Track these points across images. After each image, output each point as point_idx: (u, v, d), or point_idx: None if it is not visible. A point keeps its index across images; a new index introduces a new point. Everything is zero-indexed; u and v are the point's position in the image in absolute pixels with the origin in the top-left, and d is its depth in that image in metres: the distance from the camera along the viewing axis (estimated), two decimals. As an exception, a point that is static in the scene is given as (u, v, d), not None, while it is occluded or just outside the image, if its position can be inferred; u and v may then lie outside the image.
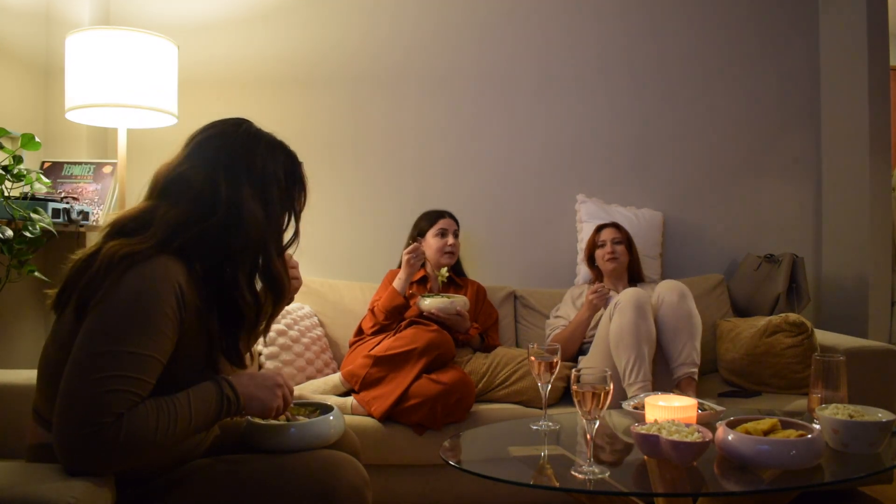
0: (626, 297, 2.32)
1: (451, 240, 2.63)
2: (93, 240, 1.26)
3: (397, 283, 2.50)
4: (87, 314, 1.08)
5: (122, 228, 1.18)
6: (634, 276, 2.76)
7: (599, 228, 2.78)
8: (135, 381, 1.06)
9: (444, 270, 2.58)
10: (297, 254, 1.38)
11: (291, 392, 1.31)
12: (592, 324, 2.57)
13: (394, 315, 2.48)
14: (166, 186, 1.22)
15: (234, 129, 1.29)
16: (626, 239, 2.73)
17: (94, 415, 1.02)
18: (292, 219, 1.33)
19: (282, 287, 1.27)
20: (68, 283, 1.15)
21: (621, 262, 2.69)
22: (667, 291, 2.36)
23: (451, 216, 2.71)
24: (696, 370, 2.26)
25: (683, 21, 3.18)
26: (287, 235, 1.34)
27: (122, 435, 1.03)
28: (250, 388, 1.23)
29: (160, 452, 1.10)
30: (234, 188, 1.21)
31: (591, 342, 2.52)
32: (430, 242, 2.65)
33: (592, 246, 2.78)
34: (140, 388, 1.06)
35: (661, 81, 3.17)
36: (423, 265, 2.68)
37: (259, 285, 1.27)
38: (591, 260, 2.79)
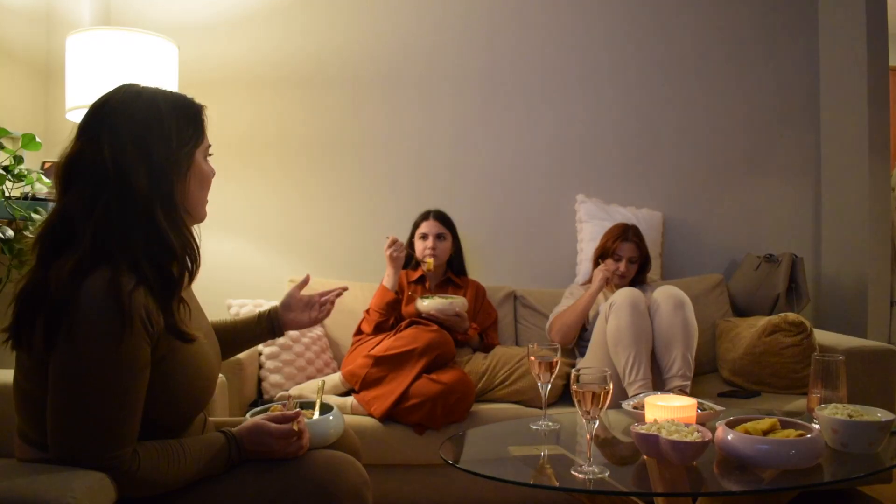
0: (621, 298, 2.32)
1: (430, 243, 2.65)
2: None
3: (386, 281, 2.54)
4: (57, 350, 1.04)
5: (52, 244, 1.11)
6: (636, 279, 2.74)
7: (622, 237, 2.64)
8: (133, 407, 1.08)
9: (430, 260, 2.62)
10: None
11: (301, 435, 1.25)
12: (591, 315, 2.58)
13: (388, 310, 2.50)
14: (65, 177, 1.14)
15: (115, 94, 1.19)
16: (643, 256, 2.67)
17: (106, 451, 1.05)
18: (185, 163, 1.19)
19: (172, 250, 1.15)
20: (22, 316, 1.09)
21: (627, 280, 2.66)
22: (663, 299, 2.33)
23: (437, 216, 2.71)
24: (687, 383, 2.23)
25: (683, 22, 3.18)
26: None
27: (139, 473, 1.08)
28: (257, 445, 1.23)
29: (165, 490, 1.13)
30: (118, 154, 1.12)
31: (587, 342, 2.52)
32: (417, 244, 2.70)
33: (607, 252, 2.67)
34: (133, 418, 1.09)
35: (661, 82, 3.17)
36: (419, 265, 2.70)
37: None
38: (598, 259, 2.72)
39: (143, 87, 1.22)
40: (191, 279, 1.20)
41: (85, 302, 1.04)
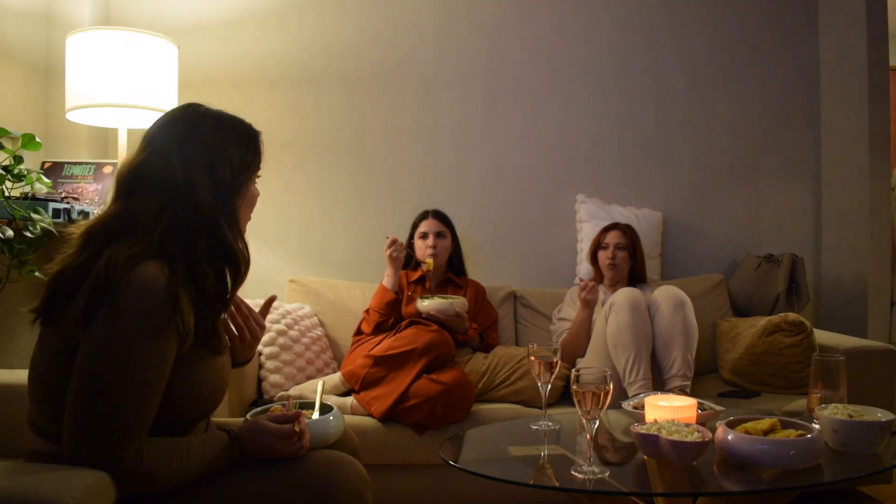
0: (621, 297, 2.32)
1: (431, 241, 2.66)
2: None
3: (386, 282, 2.54)
4: (93, 329, 1.06)
5: (107, 234, 1.16)
6: (636, 277, 2.75)
7: (608, 228, 2.75)
8: (148, 407, 1.09)
9: (430, 261, 2.63)
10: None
11: (302, 436, 1.26)
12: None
13: (388, 311, 2.50)
14: (131, 183, 1.21)
15: (182, 113, 1.28)
16: (630, 244, 2.70)
17: (116, 442, 1.06)
18: (246, 186, 1.29)
19: (236, 260, 1.24)
20: (57, 295, 1.12)
21: (620, 270, 2.68)
22: (663, 299, 2.34)
23: (436, 215, 2.73)
24: (687, 383, 2.24)
25: (683, 22, 3.18)
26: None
27: (143, 467, 1.08)
28: (258, 444, 1.23)
29: (169, 486, 1.14)
30: (186, 168, 1.20)
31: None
32: (417, 244, 2.70)
33: (597, 245, 2.76)
34: (150, 413, 1.10)
35: (661, 82, 3.17)
36: (418, 265, 2.70)
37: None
38: (594, 258, 2.78)
39: (207, 109, 1.30)
40: (241, 283, 1.27)
41: (136, 285, 1.07)
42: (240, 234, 1.26)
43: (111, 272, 1.07)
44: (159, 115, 2.44)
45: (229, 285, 1.24)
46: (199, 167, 1.20)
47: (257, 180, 1.34)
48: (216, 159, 1.23)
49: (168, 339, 1.09)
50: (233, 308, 1.41)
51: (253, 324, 1.44)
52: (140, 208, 1.17)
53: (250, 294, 2.69)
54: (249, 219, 1.34)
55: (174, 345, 1.11)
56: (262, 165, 1.33)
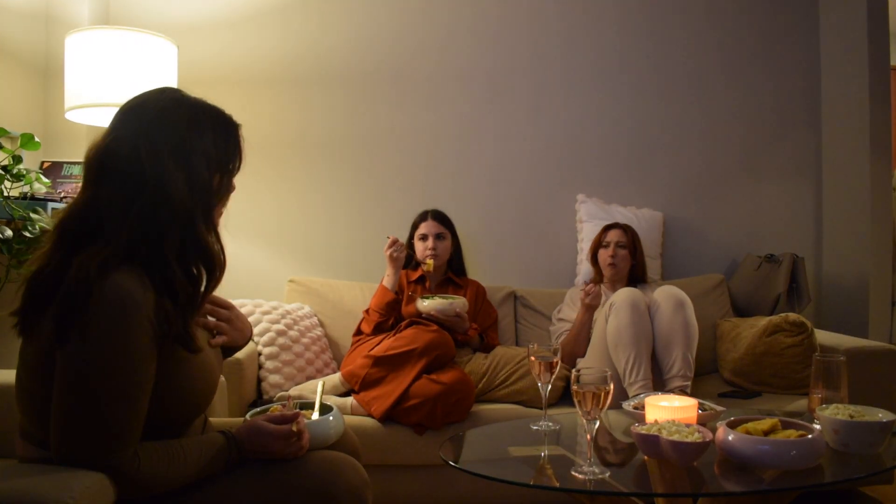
0: (621, 298, 2.32)
1: (430, 243, 2.66)
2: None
3: (386, 282, 2.54)
4: (70, 341, 1.03)
5: (76, 234, 1.11)
6: (636, 277, 2.75)
7: (608, 228, 2.76)
8: (138, 409, 1.07)
9: (430, 261, 2.62)
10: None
11: (301, 436, 1.25)
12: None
13: (388, 311, 2.50)
14: (97, 171, 1.13)
15: (156, 96, 1.19)
16: (631, 243, 2.70)
17: (109, 451, 1.04)
18: (224, 184, 1.22)
19: (212, 259, 1.17)
20: (32, 302, 1.09)
21: (620, 269, 2.68)
22: (663, 299, 2.34)
23: (436, 216, 2.72)
24: (688, 384, 2.23)
25: (684, 21, 3.18)
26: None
27: (140, 471, 1.07)
28: (256, 445, 1.22)
29: (168, 487, 1.13)
30: (155, 159, 1.11)
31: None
32: (417, 246, 2.70)
33: (597, 244, 2.76)
34: (139, 418, 1.08)
35: (661, 81, 3.17)
36: (419, 265, 2.70)
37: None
38: (594, 257, 2.78)
39: (183, 95, 1.21)
40: (216, 286, 1.21)
41: (107, 298, 1.03)
42: (216, 231, 1.20)
43: (83, 283, 1.03)
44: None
45: (203, 287, 1.18)
46: (171, 159, 1.12)
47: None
48: (191, 151, 1.14)
49: (147, 347, 1.07)
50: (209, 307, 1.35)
51: (221, 314, 1.37)
52: (106, 202, 1.11)
53: (250, 294, 2.71)
54: (222, 213, 1.28)
55: (154, 350, 1.09)
56: (243, 162, 1.26)
